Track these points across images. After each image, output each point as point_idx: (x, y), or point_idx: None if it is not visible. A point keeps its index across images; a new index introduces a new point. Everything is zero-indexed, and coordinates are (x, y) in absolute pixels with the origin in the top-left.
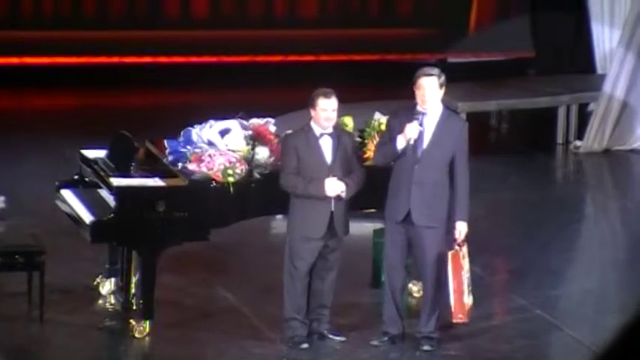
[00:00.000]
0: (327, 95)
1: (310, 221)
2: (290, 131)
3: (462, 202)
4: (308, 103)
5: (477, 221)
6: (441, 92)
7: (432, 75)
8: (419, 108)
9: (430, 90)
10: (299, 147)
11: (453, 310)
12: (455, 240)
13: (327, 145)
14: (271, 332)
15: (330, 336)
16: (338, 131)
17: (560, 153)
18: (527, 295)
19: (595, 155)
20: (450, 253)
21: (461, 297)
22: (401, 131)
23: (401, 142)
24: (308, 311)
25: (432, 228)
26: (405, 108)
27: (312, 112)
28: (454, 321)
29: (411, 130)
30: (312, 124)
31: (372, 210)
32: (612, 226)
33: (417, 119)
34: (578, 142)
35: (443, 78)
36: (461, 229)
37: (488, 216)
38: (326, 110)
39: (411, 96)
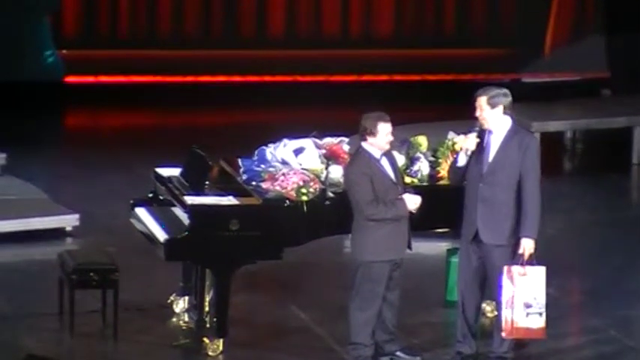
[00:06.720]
0: (385, 119)
1: (394, 243)
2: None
3: (528, 218)
4: (361, 130)
5: (551, 241)
6: (494, 110)
7: (480, 95)
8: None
9: (481, 110)
10: (370, 174)
11: (502, 325)
12: (520, 256)
13: (387, 165)
14: (344, 352)
15: (404, 356)
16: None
17: (636, 173)
18: (601, 315)
19: None
20: (504, 268)
21: (510, 314)
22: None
23: (462, 158)
24: (373, 333)
25: (501, 246)
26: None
27: (370, 137)
28: (502, 335)
29: (467, 142)
30: (368, 147)
31: (445, 229)
32: None
33: (474, 131)
34: None
35: (496, 97)
36: (525, 245)
37: (563, 236)
38: (389, 133)
39: None
